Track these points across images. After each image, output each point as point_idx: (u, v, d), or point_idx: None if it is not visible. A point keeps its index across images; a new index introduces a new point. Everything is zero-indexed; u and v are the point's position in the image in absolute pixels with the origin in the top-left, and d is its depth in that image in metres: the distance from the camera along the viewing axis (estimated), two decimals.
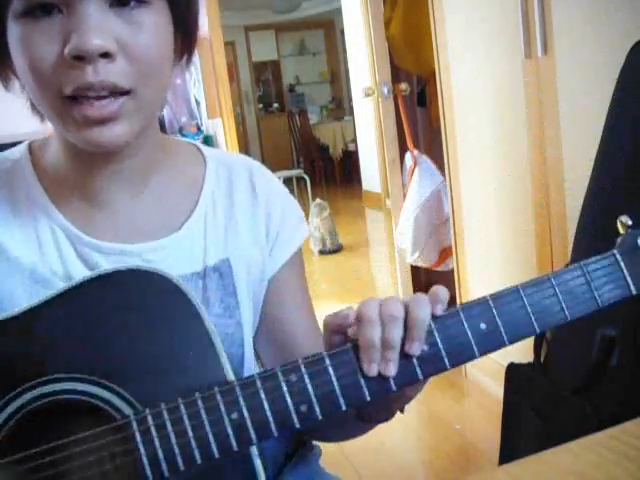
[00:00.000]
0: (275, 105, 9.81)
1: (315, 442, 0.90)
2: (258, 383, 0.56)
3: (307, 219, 3.52)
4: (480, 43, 1.97)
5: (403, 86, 2.68)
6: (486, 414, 2.11)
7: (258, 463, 0.58)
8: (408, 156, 2.79)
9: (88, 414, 0.56)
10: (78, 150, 0.66)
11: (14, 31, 0.61)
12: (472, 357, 0.59)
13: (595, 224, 1.15)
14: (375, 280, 4.03)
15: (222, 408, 0.55)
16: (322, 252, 4.55)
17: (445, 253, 2.69)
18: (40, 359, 0.57)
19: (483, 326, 0.59)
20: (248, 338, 0.77)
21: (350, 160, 7.48)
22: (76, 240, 0.70)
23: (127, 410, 0.56)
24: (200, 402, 0.56)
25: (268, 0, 8.18)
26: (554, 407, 1.14)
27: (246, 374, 0.78)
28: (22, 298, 0.67)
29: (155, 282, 0.60)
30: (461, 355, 0.59)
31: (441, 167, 2.45)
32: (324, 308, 0.87)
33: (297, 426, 0.56)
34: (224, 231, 0.76)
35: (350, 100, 7.06)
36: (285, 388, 0.56)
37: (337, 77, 9.75)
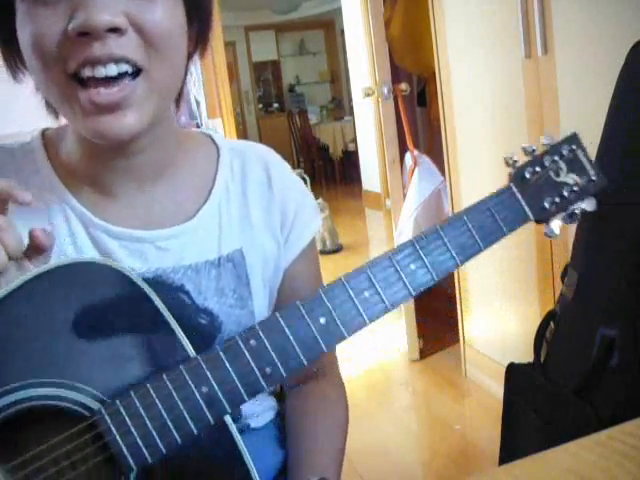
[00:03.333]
0: (275, 105, 9.81)
1: None
2: (222, 355, 0.58)
3: None
4: (480, 43, 1.97)
5: (403, 86, 2.68)
6: (486, 414, 2.12)
7: (234, 429, 0.60)
8: (408, 156, 2.78)
9: (57, 418, 0.55)
10: (90, 142, 0.64)
11: (20, 9, 0.58)
12: (430, 283, 0.66)
13: (595, 224, 1.15)
14: None
15: (192, 384, 0.57)
16: (322, 252, 4.55)
17: None
18: None
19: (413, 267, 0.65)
20: None
21: (350, 160, 7.47)
22: (88, 223, 0.69)
23: (95, 405, 0.55)
24: (169, 383, 0.56)
25: (268, 0, 8.18)
26: (554, 407, 1.14)
27: None
28: None
29: (99, 272, 0.58)
30: (418, 281, 0.66)
31: (441, 167, 2.45)
32: None
33: (265, 388, 0.59)
34: (238, 221, 0.76)
35: (350, 100, 7.06)
36: (248, 355, 0.58)
37: (337, 77, 9.74)
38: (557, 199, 0.72)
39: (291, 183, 0.81)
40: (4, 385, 0.54)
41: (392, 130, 2.61)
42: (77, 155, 0.70)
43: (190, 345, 0.59)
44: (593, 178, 0.74)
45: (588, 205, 0.74)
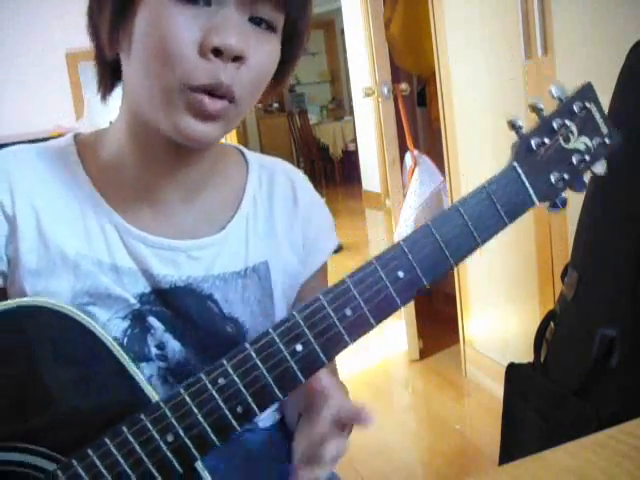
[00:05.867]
0: (275, 105, 9.80)
1: None
2: (187, 399, 0.53)
3: None
4: (480, 43, 1.97)
5: (403, 86, 2.68)
6: (486, 414, 2.11)
7: (206, 476, 0.56)
8: (408, 156, 2.78)
9: None
10: (149, 147, 0.67)
11: (154, 8, 0.60)
12: (396, 308, 0.58)
13: (595, 224, 1.15)
14: None
15: (156, 435, 0.52)
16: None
17: None
18: None
19: (401, 274, 0.57)
20: None
21: (350, 160, 7.47)
22: (123, 231, 0.70)
23: (50, 466, 0.52)
24: (131, 437, 0.52)
25: None
26: (554, 407, 1.14)
27: None
28: (67, 293, 0.67)
29: (46, 316, 0.54)
30: (385, 310, 0.57)
31: (441, 167, 2.45)
32: None
33: (237, 429, 0.55)
34: (264, 234, 0.78)
35: (350, 100, 7.06)
36: (216, 395, 0.53)
37: (337, 77, 9.74)
38: (565, 174, 0.60)
39: (315, 202, 0.84)
40: None
41: (392, 130, 2.61)
42: (123, 159, 0.71)
43: (152, 389, 0.55)
44: (606, 140, 0.63)
45: (598, 168, 0.63)
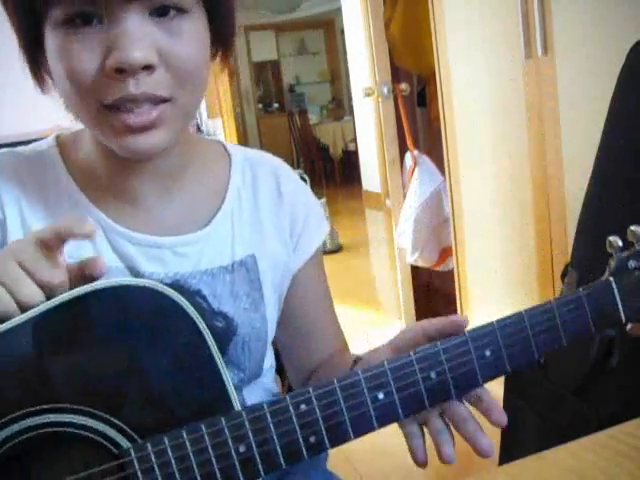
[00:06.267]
0: (275, 105, 9.81)
1: None
2: (268, 416, 0.54)
3: None
4: (480, 43, 1.97)
5: (403, 86, 2.68)
6: None
7: None
8: (408, 156, 2.78)
9: (82, 448, 0.53)
10: (111, 150, 0.66)
11: (53, 39, 0.60)
12: (475, 385, 0.60)
13: (595, 225, 1.15)
14: (375, 280, 4.03)
15: (230, 443, 0.53)
16: (322, 252, 4.54)
17: (445, 253, 2.68)
18: (26, 386, 0.52)
19: (488, 353, 0.59)
20: (271, 333, 0.79)
21: (350, 160, 7.47)
22: (109, 229, 0.71)
23: (123, 442, 0.53)
24: (207, 437, 0.53)
25: (268, 0, 8.18)
26: (554, 407, 1.14)
27: (266, 369, 0.80)
28: None
29: (150, 298, 0.55)
30: (466, 383, 0.59)
31: (441, 167, 2.45)
32: None
33: (305, 457, 0.55)
34: (249, 228, 0.77)
35: (350, 100, 7.05)
36: (295, 420, 0.54)
37: (337, 77, 9.74)
38: None
39: (299, 191, 0.83)
40: (30, 406, 0.51)
41: (392, 130, 2.61)
42: (96, 161, 0.71)
43: (236, 396, 0.56)
44: None
45: None
